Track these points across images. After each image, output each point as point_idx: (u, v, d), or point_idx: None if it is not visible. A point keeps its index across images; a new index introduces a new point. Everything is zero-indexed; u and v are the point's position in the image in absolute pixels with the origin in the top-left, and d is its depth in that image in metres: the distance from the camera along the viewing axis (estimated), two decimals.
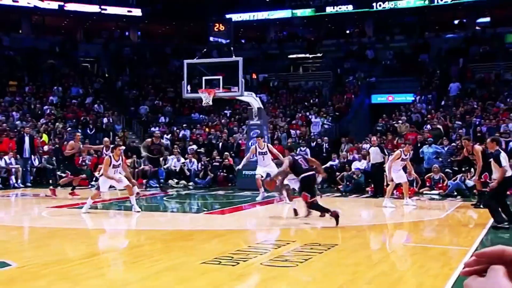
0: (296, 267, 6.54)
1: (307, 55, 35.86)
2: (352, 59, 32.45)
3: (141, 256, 7.32)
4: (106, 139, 16.80)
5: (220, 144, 21.01)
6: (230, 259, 6.89)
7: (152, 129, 22.79)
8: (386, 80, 29.23)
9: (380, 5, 34.49)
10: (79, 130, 23.49)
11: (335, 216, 9.62)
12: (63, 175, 18.26)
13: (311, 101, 27.24)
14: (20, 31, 35.77)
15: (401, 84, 28.24)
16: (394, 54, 32.02)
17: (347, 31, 38.06)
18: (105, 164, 11.72)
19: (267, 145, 14.38)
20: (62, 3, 34.35)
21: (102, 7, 35.61)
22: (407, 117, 22.59)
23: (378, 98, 28.51)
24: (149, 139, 16.96)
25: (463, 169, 15.76)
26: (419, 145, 17.61)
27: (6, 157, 18.03)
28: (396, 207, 12.47)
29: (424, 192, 15.68)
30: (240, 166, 15.22)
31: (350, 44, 34.75)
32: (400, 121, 22.02)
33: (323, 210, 10.10)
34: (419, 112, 23.21)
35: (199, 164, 19.22)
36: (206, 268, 6.55)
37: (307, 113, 24.89)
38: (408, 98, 26.61)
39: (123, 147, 15.40)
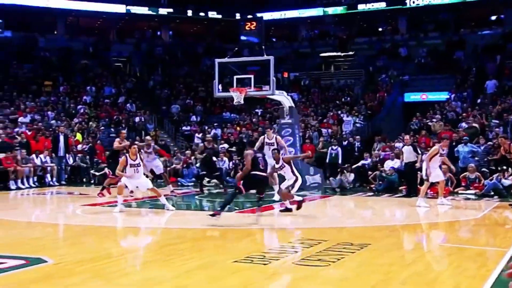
0: (328, 267, 6.50)
1: (339, 53, 35.63)
2: (384, 57, 32.10)
3: (172, 255, 7.37)
4: (148, 137, 16.87)
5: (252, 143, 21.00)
6: (262, 258, 6.88)
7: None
8: (419, 78, 28.82)
9: (413, 2, 34.05)
10: (112, 129, 23.89)
11: (213, 215, 9.84)
12: (96, 173, 18.62)
13: (343, 99, 27.07)
14: (55, 32, 36.51)
15: (435, 82, 27.79)
16: (428, 52, 31.55)
17: (380, 29, 37.66)
18: (121, 164, 11.54)
19: (276, 137, 14.50)
20: (96, 3, 34.91)
21: (134, 7, 36.07)
22: (442, 116, 22.23)
23: (412, 96, 28.12)
24: (202, 144, 17.11)
25: (500, 168, 15.41)
26: (454, 143, 17.29)
27: (41, 156, 18.41)
28: (430, 207, 12.27)
29: (459, 191, 15.39)
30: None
31: (382, 42, 34.40)
32: (434, 120, 21.68)
33: (222, 209, 10.15)
34: (453, 111, 22.80)
35: (230, 162, 19.28)
36: (237, 267, 6.55)
37: (339, 112, 24.72)
38: (442, 96, 26.17)
39: (152, 143, 15.31)
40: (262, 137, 14.70)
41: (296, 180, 11.29)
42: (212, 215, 9.88)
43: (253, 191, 11.34)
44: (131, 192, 13.38)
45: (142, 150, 14.20)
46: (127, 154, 11.70)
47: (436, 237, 9.53)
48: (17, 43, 32.50)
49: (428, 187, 12.78)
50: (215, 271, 6.42)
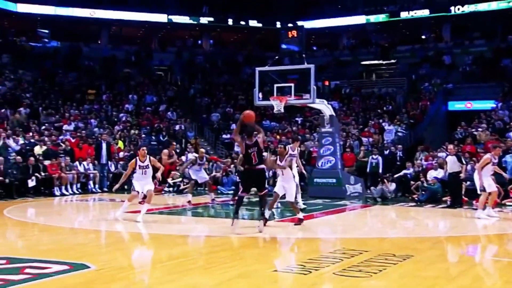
0: (369, 278, 6.41)
1: (381, 62, 35.28)
2: (427, 65, 31.63)
3: (213, 263, 7.40)
4: (202, 149, 16.93)
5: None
6: (302, 268, 6.85)
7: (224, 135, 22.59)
8: (464, 86, 28.26)
9: (458, 9, 33.46)
10: (153, 137, 24.25)
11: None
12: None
13: (384, 108, 26.75)
14: (99, 42, 37.41)
15: (480, 90, 27.20)
16: (474, 59, 30.91)
17: (423, 36, 37.14)
18: (130, 166, 12.05)
19: (298, 148, 14.50)
20: (138, 13, 35.64)
21: (175, 16, 36.63)
22: (488, 125, 21.72)
23: (456, 105, 27.58)
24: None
25: None
26: (501, 153, 16.83)
27: (84, 163, 18.83)
28: (489, 219, 11.90)
29: (507, 203, 14.97)
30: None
31: (425, 50, 33.90)
32: (480, 129, 21.19)
33: (236, 212, 10.05)
34: (501, 120, 22.24)
35: (270, 171, 19.27)
36: (278, 276, 6.54)
37: (380, 121, 24.44)
38: (488, 104, 25.58)
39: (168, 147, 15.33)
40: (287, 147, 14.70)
41: (296, 188, 11.28)
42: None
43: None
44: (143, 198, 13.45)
45: (193, 163, 14.32)
46: (137, 157, 12.10)
47: (483, 250, 9.28)
48: (63, 53, 33.45)
49: (486, 197, 12.39)
50: (256, 280, 6.42)
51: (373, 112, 26.40)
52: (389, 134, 22.99)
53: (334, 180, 16.85)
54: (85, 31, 36.75)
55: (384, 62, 35.31)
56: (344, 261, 7.30)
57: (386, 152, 19.60)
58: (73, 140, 20.44)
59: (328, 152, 17.25)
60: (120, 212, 11.82)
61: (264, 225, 9.85)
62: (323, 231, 11.08)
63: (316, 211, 13.81)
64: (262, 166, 9.94)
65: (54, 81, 28.70)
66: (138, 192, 11.98)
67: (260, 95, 16.65)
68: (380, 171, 18.24)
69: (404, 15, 35.26)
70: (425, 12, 34.54)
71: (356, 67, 34.97)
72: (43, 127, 21.58)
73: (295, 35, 16.90)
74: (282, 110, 16.60)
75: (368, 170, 18.85)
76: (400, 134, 23.33)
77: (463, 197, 15.07)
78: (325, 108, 17.40)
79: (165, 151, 15.17)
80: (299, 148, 14.75)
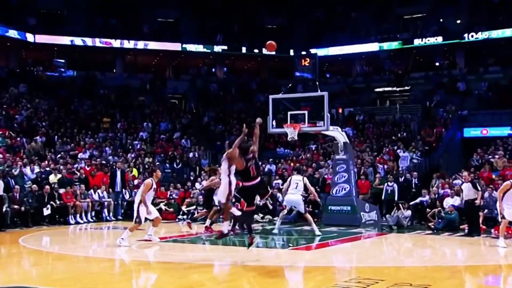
0: None
1: (394, 88, 35.32)
2: (441, 92, 31.59)
3: None
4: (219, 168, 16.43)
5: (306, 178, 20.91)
6: None
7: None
8: (480, 113, 28.13)
9: (472, 36, 33.51)
10: (167, 165, 24.35)
11: (250, 242, 9.82)
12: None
13: (399, 135, 26.67)
14: (114, 70, 37.95)
15: (496, 117, 27.05)
16: (489, 86, 30.83)
17: (436, 63, 37.19)
18: (146, 187, 11.95)
19: (304, 179, 14.90)
20: (153, 42, 36.16)
21: (189, 45, 37.11)
22: (505, 151, 21.54)
23: (472, 132, 27.41)
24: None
25: None
26: None
27: (99, 191, 18.94)
28: (508, 247, 11.73)
29: None
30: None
31: (439, 76, 33.91)
32: (496, 156, 21.03)
33: (249, 229, 10.00)
34: None
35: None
36: None
37: (395, 147, 24.36)
38: (505, 131, 25.41)
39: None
40: (290, 178, 15.01)
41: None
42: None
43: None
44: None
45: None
46: (152, 178, 12.25)
47: (505, 280, 9.11)
48: (78, 82, 33.94)
49: (506, 224, 12.22)
50: None
51: (387, 139, 26.33)
52: (404, 161, 22.86)
53: (349, 208, 16.75)
54: (100, 60, 37.34)
55: (397, 89, 35.33)
56: None
57: (401, 179, 19.47)
58: (87, 168, 20.58)
59: (342, 179, 17.18)
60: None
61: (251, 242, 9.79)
62: (338, 259, 11.00)
63: (331, 239, 13.72)
64: (259, 178, 9.81)
65: (69, 110, 29.06)
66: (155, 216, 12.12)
67: (274, 122, 16.70)
68: (396, 198, 18.11)
69: (417, 42, 35.38)
70: (438, 39, 34.64)
71: (370, 94, 35.00)
72: (59, 156, 21.77)
73: (309, 63, 17.00)
74: (296, 138, 16.61)
75: (383, 197, 18.72)
76: (415, 161, 23.19)
77: (481, 225, 14.88)
78: (339, 135, 17.40)
79: (212, 177, 14.85)
80: (302, 177, 14.90)
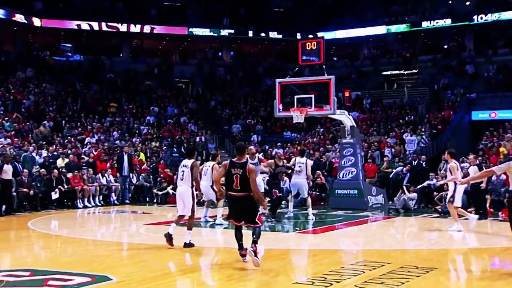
0: None
1: (402, 72, 35.10)
2: (449, 74, 31.37)
3: (233, 275, 7.42)
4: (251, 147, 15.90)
5: (313, 162, 20.90)
6: (323, 280, 6.83)
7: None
8: (488, 95, 27.93)
9: (481, 18, 33.13)
10: (175, 149, 24.41)
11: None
12: (159, 192, 19.08)
13: (406, 118, 26.57)
14: (121, 55, 37.91)
15: (505, 100, 26.86)
16: (498, 68, 30.56)
17: (445, 46, 36.87)
18: (216, 170, 11.72)
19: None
20: (159, 26, 36.03)
21: (196, 29, 36.95)
22: None
23: (480, 115, 27.25)
24: (271, 160, 14.80)
25: None
26: None
27: (106, 175, 19.02)
28: None
29: None
30: None
31: (448, 59, 33.64)
32: (505, 139, 20.92)
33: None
34: None
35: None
36: None
37: (402, 131, 24.28)
38: None
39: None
40: (294, 159, 14.83)
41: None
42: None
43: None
44: None
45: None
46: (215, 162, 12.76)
47: (511, 262, 9.10)
48: (85, 66, 33.97)
49: None
50: None
51: (394, 122, 26.25)
52: (411, 144, 22.80)
53: (356, 191, 16.77)
54: (107, 45, 37.31)
55: (405, 72, 35.11)
56: (366, 273, 7.26)
57: (415, 163, 19.23)
58: (95, 153, 20.67)
59: (349, 163, 17.18)
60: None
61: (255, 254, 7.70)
62: (344, 242, 11.03)
63: (338, 222, 13.77)
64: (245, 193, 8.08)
65: (76, 94, 29.14)
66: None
67: (281, 106, 16.69)
68: (405, 182, 18.01)
69: (425, 24, 35.04)
70: (447, 22, 34.28)
71: (377, 78, 34.83)
72: (66, 140, 21.87)
73: (315, 46, 16.91)
74: (303, 121, 16.58)
75: (391, 180, 18.67)
76: (422, 144, 23.13)
77: (488, 208, 14.86)
78: (346, 119, 17.37)
79: (271, 161, 14.28)
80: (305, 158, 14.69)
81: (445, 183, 12.04)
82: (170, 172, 19.91)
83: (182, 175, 9.59)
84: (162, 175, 20.10)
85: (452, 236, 11.54)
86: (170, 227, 9.65)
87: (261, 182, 14.65)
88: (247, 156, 8.50)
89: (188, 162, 9.66)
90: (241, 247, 7.99)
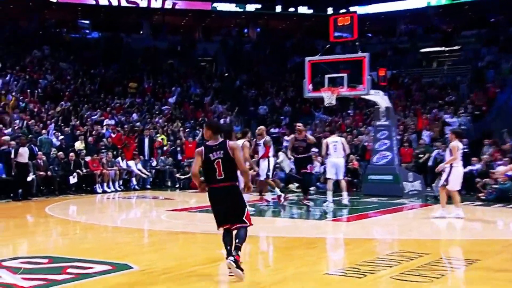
0: (430, 283, 6.29)
1: (443, 48, 34.50)
2: (495, 51, 30.72)
3: (262, 264, 7.44)
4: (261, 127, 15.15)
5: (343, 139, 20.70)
6: (357, 271, 6.81)
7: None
8: None
9: None
10: (197, 131, 24.48)
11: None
12: (181, 177, 19.21)
13: (447, 99, 26.17)
14: (141, 32, 38.05)
15: None
16: None
17: (491, 20, 36.04)
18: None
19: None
20: (178, 1, 36.02)
21: (220, 4, 36.83)
22: None
23: None
24: (292, 135, 14.51)
25: None
26: None
27: (126, 159, 19.17)
28: None
29: None
30: None
31: (493, 34, 32.91)
32: None
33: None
34: None
35: (322, 167, 19.15)
36: (330, 279, 6.52)
37: (442, 112, 23.93)
38: None
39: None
40: (325, 141, 14.53)
41: None
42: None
43: None
44: None
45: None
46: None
47: None
48: (103, 44, 34.19)
49: None
50: (306, 283, 6.41)
51: (434, 103, 25.88)
52: (451, 127, 22.45)
53: (391, 177, 16.61)
54: (126, 21, 37.47)
55: (446, 49, 34.50)
56: (402, 264, 7.20)
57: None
58: (113, 135, 20.85)
59: (384, 146, 17.02)
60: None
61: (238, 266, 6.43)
62: (378, 231, 10.96)
63: (371, 210, 13.68)
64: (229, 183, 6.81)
65: (94, 74, 29.38)
66: None
67: (310, 86, 16.56)
68: None
69: None
70: None
71: (415, 55, 34.34)
72: (84, 122, 22.09)
73: (348, 22, 16.71)
74: (334, 102, 16.45)
75: (430, 165, 18.42)
76: (463, 126, 22.75)
77: None
78: (381, 99, 17.18)
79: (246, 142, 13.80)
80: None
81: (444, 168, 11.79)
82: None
83: None
84: (184, 158, 20.13)
85: (497, 226, 11.36)
86: None
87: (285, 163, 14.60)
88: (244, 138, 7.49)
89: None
90: (230, 253, 6.47)
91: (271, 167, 13.75)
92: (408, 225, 11.59)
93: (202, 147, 6.70)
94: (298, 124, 14.14)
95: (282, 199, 13.73)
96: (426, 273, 6.66)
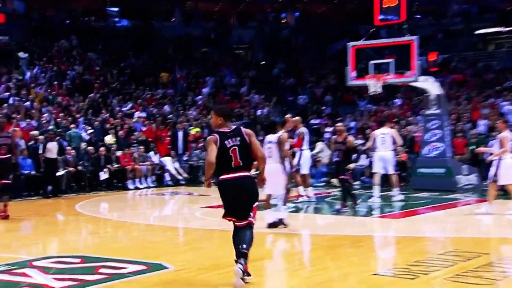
0: (491, 286, 6.17)
1: (501, 29, 33.76)
2: None
3: (304, 264, 7.42)
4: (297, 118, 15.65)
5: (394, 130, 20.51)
6: (407, 271, 6.74)
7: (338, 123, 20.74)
8: None
9: None
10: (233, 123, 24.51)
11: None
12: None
13: (504, 85, 25.66)
14: (173, 19, 38.31)
15: None
16: None
17: None
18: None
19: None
20: None
21: None
22: None
23: None
24: (334, 136, 14.17)
25: None
26: None
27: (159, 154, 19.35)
28: None
29: None
30: None
31: None
32: None
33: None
34: None
35: (367, 160, 18.98)
36: (378, 280, 6.46)
37: (500, 99, 23.47)
38: None
39: None
40: (373, 134, 14.52)
41: None
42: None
43: None
44: None
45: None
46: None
47: None
48: (133, 32, 34.52)
49: None
50: (353, 284, 6.39)
51: (490, 89, 25.41)
52: (510, 115, 21.98)
53: (443, 170, 16.39)
54: (157, 8, 37.76)
55: (505, 30, 33.73)
56: (458, 265, 7.08)
57: None
58: (145, 129, 21.03)
59: (435, 137, 16.80)
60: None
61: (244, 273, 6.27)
62: (430, 229, 10.82)
63: (422, 206, 13.50)
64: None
65: (124, 64, 29.68)
66: None
67: (354, 74, 16.46)
68: None
69: None
70: None
71: (469, 37, 33.72)
72: (114, 114, 22.34)
73: (395, 3, 16.52)
74: (380, 91, 16.31)
75: (485, 158, 18.07)
76: None
77: None
78: (431, 86, 16.96)
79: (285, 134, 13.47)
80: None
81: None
82: None
83: (270, 152, 9.76)
84: None
85: None
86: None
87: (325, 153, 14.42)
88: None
89: (273, 137, 10.00)
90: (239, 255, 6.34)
91: (302, 161, 13.85)
92: (463, 222, 11.38)
93: (216, 134, 6.51)
94: (338, 124, 13.93)
95: (300, 198, 13.80)
96: (485, 275, 6.53)
